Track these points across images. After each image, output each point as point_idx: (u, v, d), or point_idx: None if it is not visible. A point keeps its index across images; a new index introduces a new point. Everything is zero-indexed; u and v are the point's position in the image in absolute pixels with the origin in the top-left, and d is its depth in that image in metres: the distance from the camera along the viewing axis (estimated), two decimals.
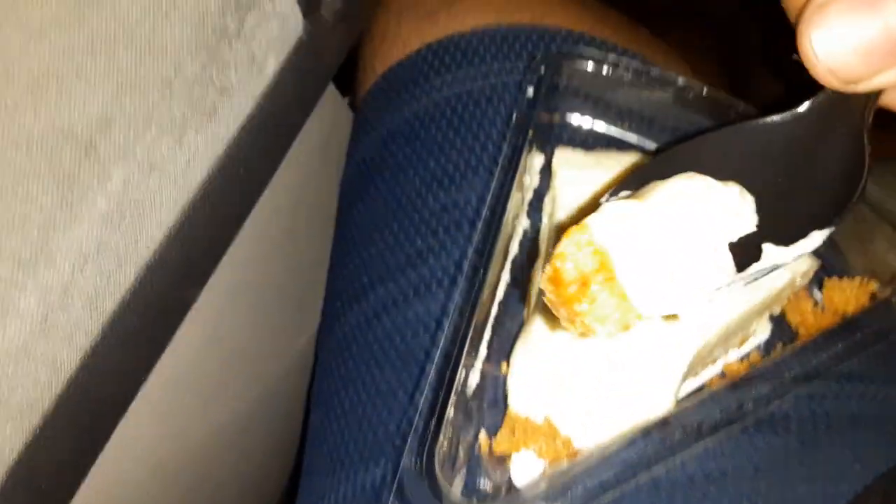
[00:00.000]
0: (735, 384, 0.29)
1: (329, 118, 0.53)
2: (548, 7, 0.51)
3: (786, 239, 0.29)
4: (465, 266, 0.43)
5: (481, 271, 0.31)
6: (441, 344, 0.29)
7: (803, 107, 0.28)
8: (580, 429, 0.31)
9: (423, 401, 0.28)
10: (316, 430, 0.46)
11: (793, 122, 0.28)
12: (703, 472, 0.32)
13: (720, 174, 0.29)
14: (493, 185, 0.33)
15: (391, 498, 0.36)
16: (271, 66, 0.33)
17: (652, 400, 0.30)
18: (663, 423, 0.28)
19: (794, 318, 0.36)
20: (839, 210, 0.28)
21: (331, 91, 0.53)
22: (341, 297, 0.48)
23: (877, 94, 0.26)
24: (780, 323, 0.36)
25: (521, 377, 0.32)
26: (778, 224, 0.28)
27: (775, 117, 0.29)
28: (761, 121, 0.29)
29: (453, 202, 0.45)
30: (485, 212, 0.32)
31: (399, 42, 0.52)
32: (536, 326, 0.33)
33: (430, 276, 0.43)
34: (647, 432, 0.28)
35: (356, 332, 0.46)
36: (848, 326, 0.31)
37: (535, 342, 0.32)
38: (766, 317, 0.36)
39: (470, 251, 0.43)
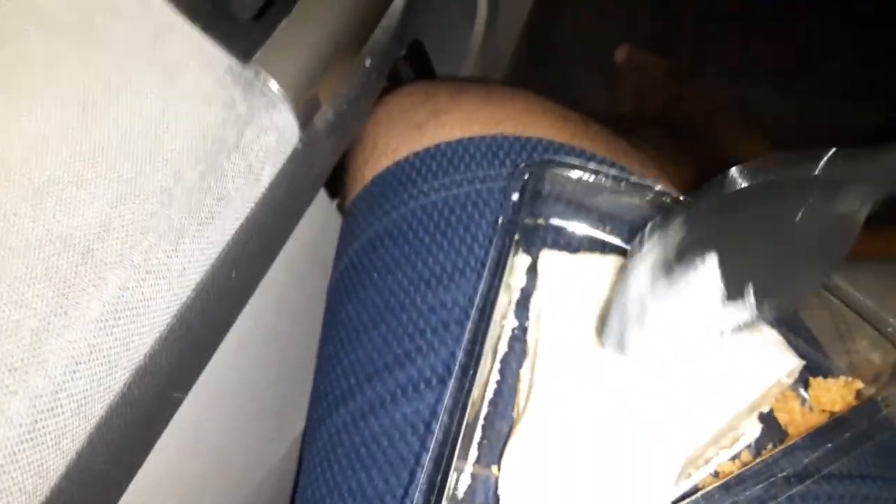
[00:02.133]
0: (727, 485, 0.29)
1: (318, 223, 0.54)
2: (530, 119, 0.53)
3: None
4: (454, 367, 0.43)
5: (470, 372, 0.31)
6: (431, 447, 0.29)
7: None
8: None
9: None
10: None
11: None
12: None
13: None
14: (481, 286, 0.34)
15: None
16: (267, 175, 0.34)
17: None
18: None
19: (782, 418, 0.36)
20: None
21: (321, 197, 0.54)
22: (327, 399, 0.48)
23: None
24: (769, 422, 0.37)
25: (512, 479, 0.32)
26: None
27: None
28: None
29: (441, 303, 0.46)
30: (473, 313, 0.33)
31: (388, 151, 0.54)
32: (527, 428, 0.33)
33: (418, 377, 0.43)
34: None
35: (342, 435, 0.45)
36: (836, 426, 0.31)
37: (527, 444, 0.32)
38: (754, 416, 0.36)
39: (458, 352, 0.44)
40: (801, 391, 0.37)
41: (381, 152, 0.54)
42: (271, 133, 0.34)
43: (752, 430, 0.36)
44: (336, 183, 0.58)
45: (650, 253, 0.32)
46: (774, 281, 0.30)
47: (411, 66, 0.66)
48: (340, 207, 0.59)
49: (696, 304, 0.30)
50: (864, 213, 0.28)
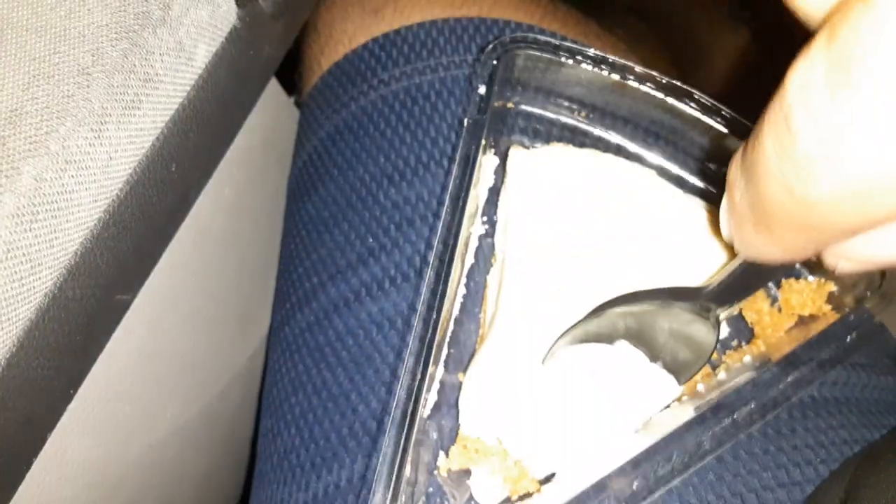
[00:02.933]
0: (703, 417, 0.28)
1: (273, 116, 0.51)
2: (495, 0, 0.50)
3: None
4: (419, 265, 0.42)
5: (442, 279, 0.30)
6: (406, 358, 0.28)
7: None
8: (533, 454, 0.30)
9: (386, 437, 0.26)
10: (266, 438, 0.44)
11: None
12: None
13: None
14: (450, 188, 0.31)
15: None
16: (202, 55, 0.31)
17: (613, 428, 0.30)
18: (632, 464, 0.27)
19: (750, 317, 0.35)
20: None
21: (275, 89, 0.51)
22: (290, 299, 0.47)
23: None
24: (736, 321, 0.36)
25: (473, 397, 0.31)
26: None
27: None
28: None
29: (405, 199, 0.44)
30: (444, 214, 0.31)
31: (344, 38, 0.50)
32: (492, 345, 0.31)
33: (382, 275, 0.42)
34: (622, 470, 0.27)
35: (306, 335, 0.44)
36: (822, 339, 0.30)
37: (491, 363, 0.31)
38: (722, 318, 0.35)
39: (423, 249, 0.42)
40: (774, 290, 0.36)
41: (336, 39, 0.51)
42: (203, 7, 0.31)
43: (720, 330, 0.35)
44: (293, 77, 0.54)
45: None
46: None
47: None
48: (297, 102, 0.55)
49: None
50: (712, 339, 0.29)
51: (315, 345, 0.43)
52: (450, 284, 0.30)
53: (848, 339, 0.30)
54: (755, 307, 0.35)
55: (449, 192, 0.32)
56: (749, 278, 0.27)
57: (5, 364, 0.25)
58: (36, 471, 0.31)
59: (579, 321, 0.31)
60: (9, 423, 0.27)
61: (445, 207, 0.32)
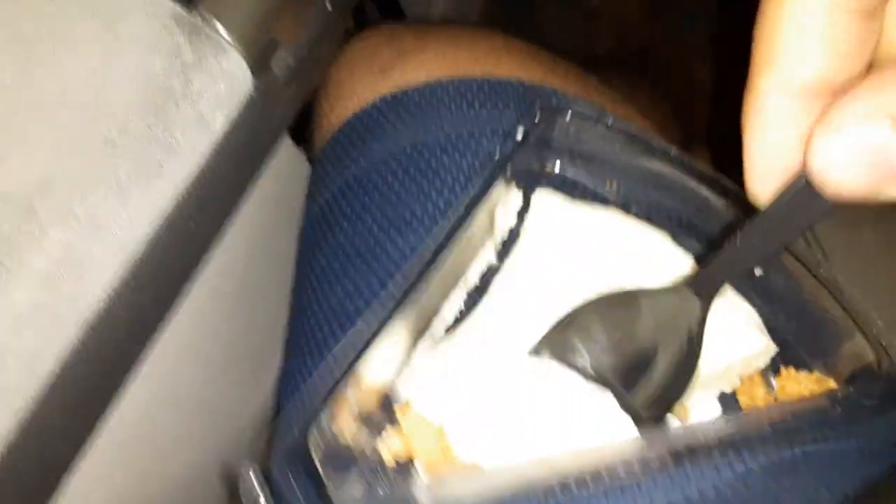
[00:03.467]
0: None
1: (285, 172, 0.53)
2: (497, 59, 0.52)
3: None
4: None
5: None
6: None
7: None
8: (469, 443, 0.30)
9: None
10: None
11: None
12: (667, 500, 0.32)
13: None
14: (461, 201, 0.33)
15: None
16: (220, 123, 0.34)
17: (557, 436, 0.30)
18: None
19: (744, 402, 0.35)
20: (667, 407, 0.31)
21: (287, 145, 0.53)
22: (303, 349, 0.48)
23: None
24: (729, 404, 0.35)
25: (422, 376, 0.32)
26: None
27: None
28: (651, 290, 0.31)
29: (412, 248, 0.45)
30: (443, 221, 0.33)
31: (354, 97, 0.53)
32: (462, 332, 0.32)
33: None
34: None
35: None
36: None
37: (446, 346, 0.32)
38: (712, 394, 0.35)
39: None
40: (771, 379, 0.35)
41: (346, 97, 0.53)
42: (221, 81, 0.33)
43: (711, 410, 0.35)
44: (304, 133, 0.57)
45: None
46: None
47: (377, 7, 0.64)
48: (309, 158, 0.58)
49: None
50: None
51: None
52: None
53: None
54: (751, 391, 0.35)
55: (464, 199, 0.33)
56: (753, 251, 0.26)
57: (29, 415, 0.27)
58: None
59: (559, 322, 0.32)
60: (31, 466, 0.29)
61: (449, 215, 0.33)
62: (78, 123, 0.29)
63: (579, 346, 0.32)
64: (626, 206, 0.42)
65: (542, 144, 0.41)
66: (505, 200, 0.39)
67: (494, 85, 0.51)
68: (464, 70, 0.52)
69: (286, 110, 0.43)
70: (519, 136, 0.37)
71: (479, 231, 0.38)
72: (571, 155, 0.42)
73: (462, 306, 0.38)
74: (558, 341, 0.32)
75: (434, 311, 0.36)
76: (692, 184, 0.39)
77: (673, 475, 0.33)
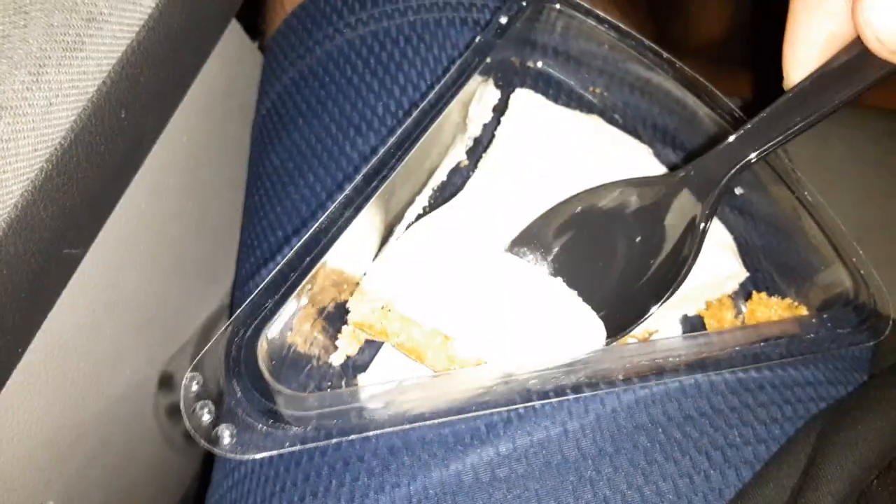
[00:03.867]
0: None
1: (235, 61, 0.49)
2: None
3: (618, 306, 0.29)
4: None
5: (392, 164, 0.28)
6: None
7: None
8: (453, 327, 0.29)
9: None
10: None
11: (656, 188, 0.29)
12: (633, 422, 0.31)
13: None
14: (435, 89, 0.30)
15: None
16: None
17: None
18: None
19: (710, 325, 0.34)
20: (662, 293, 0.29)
21: (237, 33, 0.48)
22: (256, 253, 0.45)
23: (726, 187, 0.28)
24: (694, 326, 0.34)
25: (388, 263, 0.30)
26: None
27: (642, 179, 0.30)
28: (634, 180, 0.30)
29: (372, 149, 0.42)
30: (416, 112, 0.30)
31: None
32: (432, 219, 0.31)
33: None
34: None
35: None
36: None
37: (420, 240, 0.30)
38: (676, 315, 0.34)
39: None
40: (741, 304, 0.34)
41: None
42: None
43: (672, 329, 0.34)
44: (257, 21, 0.52)
45: None
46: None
47: None
48: (261, 46, 0.53)
49: None
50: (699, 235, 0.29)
51: None
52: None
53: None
54: (719, 314, 0.34)
55: (436, 89, 0.30)
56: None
57: None
58: None
59: (539, 217, 0.30)
60: None
61: (422, 104, 0.30)
62: None
63: (553, 246, 0.30)
64: (609, 112, 0.39)
65: (524, 37, 0.37)
66: (480, 96, 0.36)
67: None
68: None
69: None
70: (502, 22, 0.34)
71: (449, 127, 0.35)
72: (556, 52, 0.39)
73: (427, 202, 0.35)
74: (535, 239, 0.31)
75: (399, 213, 0.33)
76: (679, 92, 0.36)
77: (637, 394, 0.32)
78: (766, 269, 0.36)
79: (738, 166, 0.28)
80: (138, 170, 0.35)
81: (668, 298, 0.28)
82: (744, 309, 0.34)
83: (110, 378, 0.39)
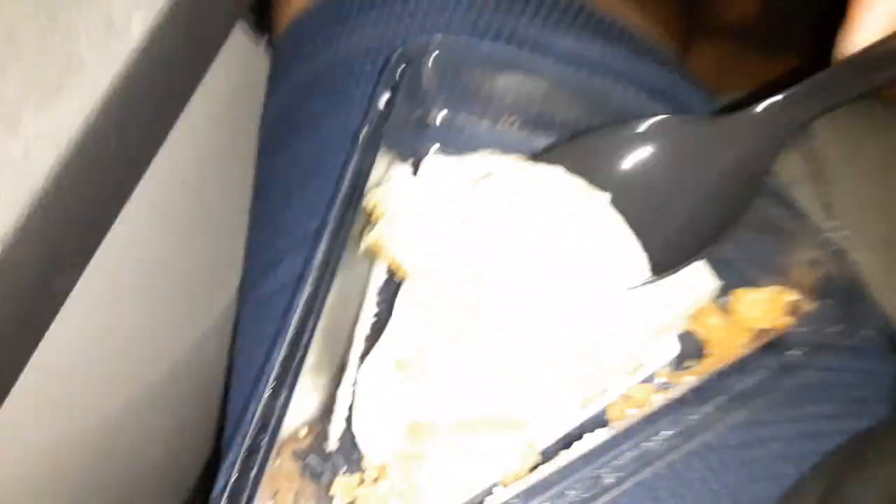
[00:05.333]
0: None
1: (242, 60, 0.47)
2: None
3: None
4: None
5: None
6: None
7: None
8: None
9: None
10: (234, 413, 0.43)
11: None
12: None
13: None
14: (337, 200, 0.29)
15: None
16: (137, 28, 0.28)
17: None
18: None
19: (700, 333, 0.32)
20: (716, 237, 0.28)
21: (242, 38, 0.47)
22: (257, 262, 0.45)
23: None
24: (683, 338, 0.32)
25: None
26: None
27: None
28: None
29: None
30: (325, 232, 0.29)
31: None
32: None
33: None
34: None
35: (272, 301, 0.43)
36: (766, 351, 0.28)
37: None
38: (673, 335, 0.32)
39: None
40: (724, 302, 0.32)
41: None
42: None
43: (668, 350, 0.32)
44: (265, 15, 0.50)
45: None
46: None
47: None
48: (270, 44, 0.51)
49: None
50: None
51: (282, 311, 0.42)
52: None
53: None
54: (704, 322, 0.31)
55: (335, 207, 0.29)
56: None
57: None
58: None
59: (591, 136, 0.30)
60: None
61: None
62: None
63: (605, 167, 0.29)
64: (534, 131, 0.36)
65: (414, 100, 0.34)
66: (389, 176, 0.33)
67: None
68: None
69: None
70: (381, 109, 0.31)
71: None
72: (455, 97, 0.35)
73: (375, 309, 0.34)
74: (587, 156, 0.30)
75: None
76: (599, 83, 0.33)
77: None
78: (737, 269, 0.33)
79: (808, 117, 0.27)
80: (143, 174, 0.35)
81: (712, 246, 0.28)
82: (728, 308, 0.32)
83: (113, 389, 0.40)
